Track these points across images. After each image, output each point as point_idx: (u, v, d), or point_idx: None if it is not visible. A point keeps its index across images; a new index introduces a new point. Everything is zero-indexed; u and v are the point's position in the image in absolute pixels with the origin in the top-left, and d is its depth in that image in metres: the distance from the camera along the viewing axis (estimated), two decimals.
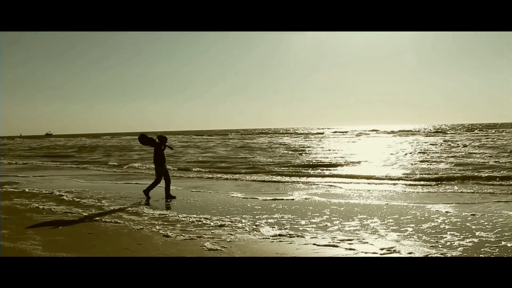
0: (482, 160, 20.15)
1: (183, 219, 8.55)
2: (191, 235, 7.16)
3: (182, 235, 7.17)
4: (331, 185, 13.68)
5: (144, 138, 11.55)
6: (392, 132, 77.04)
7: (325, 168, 19.19)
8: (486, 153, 23.95)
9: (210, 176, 17.56)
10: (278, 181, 15.15)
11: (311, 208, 9.59)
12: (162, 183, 11.54)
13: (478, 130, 68.39)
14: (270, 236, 7.04)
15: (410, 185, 13.38)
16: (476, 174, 15.27)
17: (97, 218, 8.80)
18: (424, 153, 26.31)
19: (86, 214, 9.27)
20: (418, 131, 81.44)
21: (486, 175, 14.84)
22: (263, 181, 15.48)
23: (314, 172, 17.72)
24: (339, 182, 14.49)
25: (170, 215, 8.99)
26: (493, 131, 61.95)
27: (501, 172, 15.53)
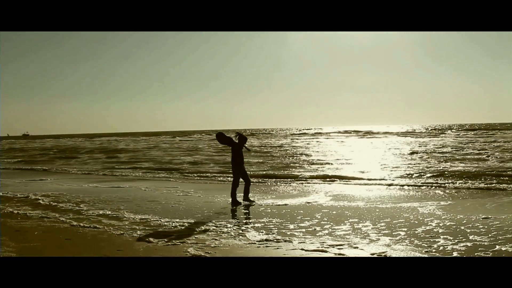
0: (479, 162, 20.42)
1: (165, 223, 8.59)
2: (174, 241, 7.20)
3: (164, 241, 7.21)
4: (323, 188, 13.78)
5: (221, 136, 11.27)
6: (384, 133, 77.56)
7: (316, 170, 19.31)
8: (482, 154, 24.24)
9: (197, 178, 17.60)
10: (268, 184, 15.22)
11: (301, 211, 9.68)
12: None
13: (478, 130, 69.07)
14: (256, 241, 7.11)
15: (403, 187, 13.51)
16: (472, 175, 15.48)
17: (75, 223, 8.80)
18: (418, 154, 26.57)
19: (64, 219, 9.26)
20: (414, 131, 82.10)
21: (483, 176, 15.05)
22: (252, 183, 15.54)
23: (304, 174, 17.81)
24: (331, 185, 14.62)
25: (152, 219, 9.02)
26: (484, 131, 62.64)
27: (497, 173, 15.75)
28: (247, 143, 11.32)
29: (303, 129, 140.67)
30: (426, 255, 6.17)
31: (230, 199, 11.04)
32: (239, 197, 11.12)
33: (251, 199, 11.32)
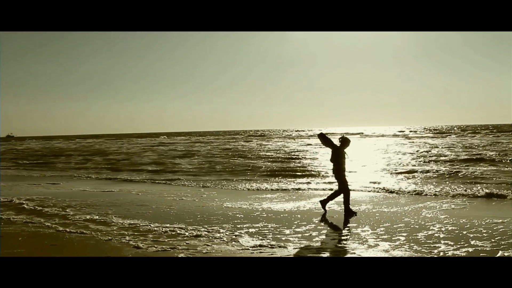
0: (482, 164, 20.55)
1: (155, 229, 8.66)
2: (164, 246, 7.28)
3: (154, 247, 7.28)
4: (323, 193, 13.85)
5: (323, 137, 10.58)
6: (382, 135, 77.73)
7: (314, 173, 19.39)
8: (485, 156, 24.37)
9: (193, 183, 17.66)
10: (264, 188, 15.29)
11: (298, 216, 9.76)
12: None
13: (483, 133, 69.27)
14: (250, 247, 7.19)
15: (404, 191, 13.57)
16: (476, 178, 15.58)
17: (61, 229, 8.86)
18: (420, 157, 26.71)
19: (49, 224, 9.31)
20: (413, 132, 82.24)
21: (487, 179, 15.16)
22: (248, 188, 15.61)
23: (301, 178, 17.90)
24: (330, 190, 14.68)
25: (141, 224, 9.09)
26: (485, 133, 62.86)
27: (502, 177, 15.87)
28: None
29: (298, 130, 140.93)
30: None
31: (344, 208, 10.25)
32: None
33: (326, 207, 10.57)
